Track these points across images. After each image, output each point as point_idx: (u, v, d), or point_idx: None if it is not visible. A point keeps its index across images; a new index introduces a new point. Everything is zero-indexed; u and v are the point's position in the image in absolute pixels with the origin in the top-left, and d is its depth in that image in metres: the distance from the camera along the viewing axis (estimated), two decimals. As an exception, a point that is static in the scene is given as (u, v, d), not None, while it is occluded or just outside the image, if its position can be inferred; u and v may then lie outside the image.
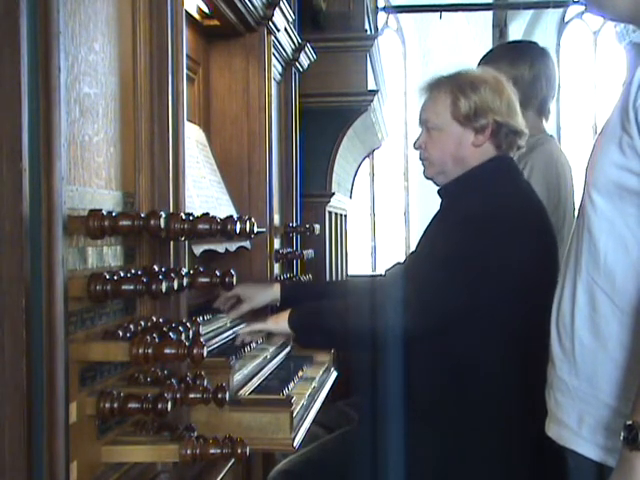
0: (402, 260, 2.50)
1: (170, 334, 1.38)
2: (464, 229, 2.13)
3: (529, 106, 2.88)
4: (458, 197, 2.26)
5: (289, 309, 2.27)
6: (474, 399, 2.11)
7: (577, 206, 1.56)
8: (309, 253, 3.22)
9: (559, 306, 1.53)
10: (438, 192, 2.38)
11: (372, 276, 2.73)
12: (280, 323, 2.23)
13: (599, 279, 1.44)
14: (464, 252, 2.10)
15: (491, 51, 3.01)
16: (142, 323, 1.46)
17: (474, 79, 2.26)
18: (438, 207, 2.40)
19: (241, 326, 2.45)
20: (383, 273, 2.62)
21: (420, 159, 2.36)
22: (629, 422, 1.29)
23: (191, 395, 1.43)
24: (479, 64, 2.97)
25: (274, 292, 2.47)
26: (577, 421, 1.48)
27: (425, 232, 2.39)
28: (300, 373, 2.36)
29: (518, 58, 2.89)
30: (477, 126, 2.23)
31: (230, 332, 2.33)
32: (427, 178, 2.38)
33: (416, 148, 2.35)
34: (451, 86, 2.26)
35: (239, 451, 1.42)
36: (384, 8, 9.40)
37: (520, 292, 2.10)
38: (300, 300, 2.54)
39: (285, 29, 2.90)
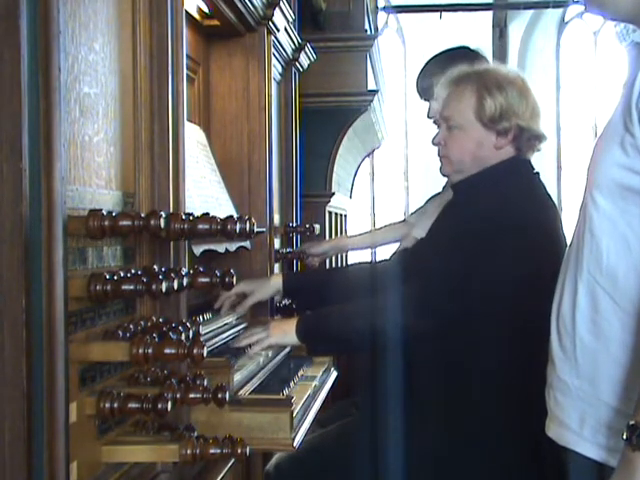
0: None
1: (170, 334, 1.38)
2: (476, 228, 2.11)
3: None
4: (472, 195, 2.25)
5: (292, 318, 2.25)
6: (473, 398, 2.12)
7: None
8: (309, 253, 3.21)
9: (559, 306, 1.53)
10: (452, 187, 2.37)
11: (373, 263, 2.70)
12: (288, 336, 2.19)
13: (601, 279, 1.44)
14: (475, 250, 2.08)
15: (427, 64, 2.99)
16: (142, 323, 1.46)
17: (502, 79, 2.21)
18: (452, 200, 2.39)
19: (242, 325, 2.45)
20: (388, 258, 2.61)
21: (438, 155, 2.33)
22: (632, 422, 1.29)
23: (191, 395, 1.43)
24: (418, 78, 2.96)
25: (277, 283, 2.50)
26: (578, 421, 1.47)
27: (437, 220, 2.37)
28: (300, 373, 2.36)
29: (455, 65, 2.89)
30: (500, 129, 2.19)
31: (230, 332, 2.33)
32: (444, 175, 2.37)
33: (435, 144, 2.31)
34: (477, 84, 2.20)
35: (239, 451, 1.41)
36: (384, 8, 9.41)
37: (524, 292, 2.08)
38: (302, 290, 2.55)
39: (285, 29, 2.90)
